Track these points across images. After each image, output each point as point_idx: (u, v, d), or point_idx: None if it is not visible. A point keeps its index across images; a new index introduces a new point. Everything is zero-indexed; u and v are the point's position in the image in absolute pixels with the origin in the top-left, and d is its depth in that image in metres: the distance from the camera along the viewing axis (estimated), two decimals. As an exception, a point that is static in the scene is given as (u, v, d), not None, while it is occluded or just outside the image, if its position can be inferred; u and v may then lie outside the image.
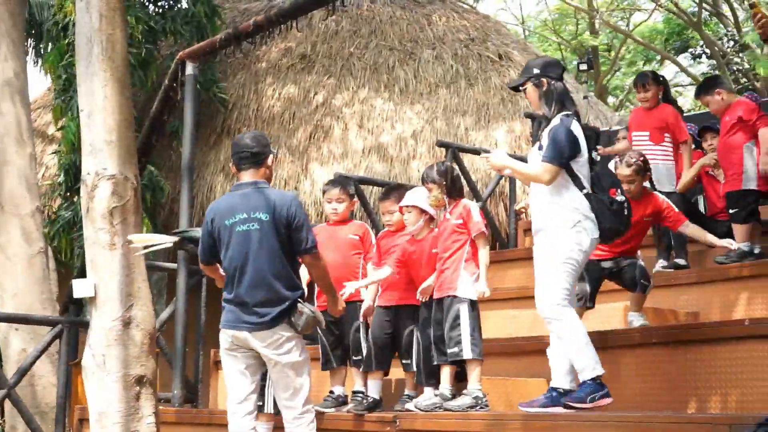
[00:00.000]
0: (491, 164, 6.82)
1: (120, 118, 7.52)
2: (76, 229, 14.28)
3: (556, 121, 6.50)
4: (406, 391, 7.48)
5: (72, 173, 14.39)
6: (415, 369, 7.41)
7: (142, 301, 7.55)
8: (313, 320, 6.54)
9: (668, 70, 36.54)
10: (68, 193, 14.84)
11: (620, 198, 6.57)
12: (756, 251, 8.64)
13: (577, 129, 6.48)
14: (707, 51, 31.16)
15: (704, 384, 6.60)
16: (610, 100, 34.89)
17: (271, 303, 6.47)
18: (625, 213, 6.58)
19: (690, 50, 32.37)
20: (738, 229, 8.74)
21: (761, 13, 7.83)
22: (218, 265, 6.85)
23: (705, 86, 9.41)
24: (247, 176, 6.71)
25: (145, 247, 7.58)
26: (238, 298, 6.55)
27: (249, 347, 6.55)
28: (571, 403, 6.27)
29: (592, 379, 6.26)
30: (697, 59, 32.57)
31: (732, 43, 30.69)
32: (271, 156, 6.81)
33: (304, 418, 6.59)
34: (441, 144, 12.92)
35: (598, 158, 7.81)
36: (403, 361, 7.44)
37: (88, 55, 7.53)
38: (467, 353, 6.95)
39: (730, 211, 8.83)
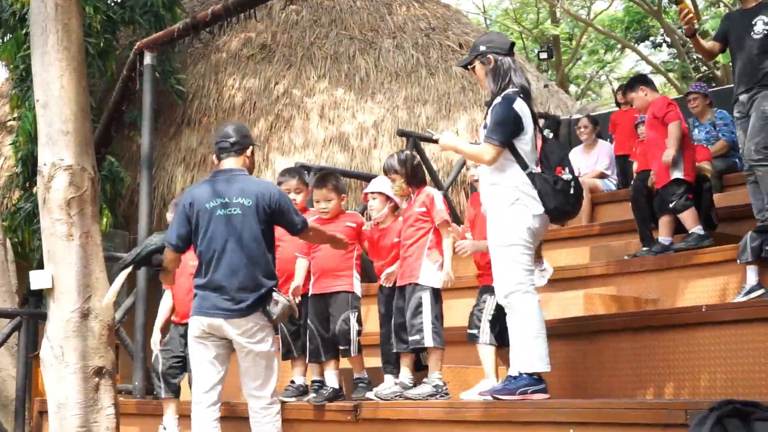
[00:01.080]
0: (441, 145, 6.75)
1: (76, 109, 7.45)
2: (36, 221, 14.19)
3: (498, 99, 6.40)
4: (356, 375, 7.47)
5: (29, 164, 14.34)
6: (352, 354, 7.41)
7: (101, 292, 7.47)
8: (289, 309, 6.58)
9: (629, 59, 36.80)
10: (27, 184, 14.75)
11: (566, 177, 6.38)
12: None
13: (520, 106, 6.33)
14: (668, 39, 31.35)
15: (663, 371, 6.62)
16: (572, 88, 35.01)
17: (248, 289, 6.45)
18: (572, 192, 6.37)
19: (650, 39, 32.55)
20: (684, 217, 8.81)
21: (687, 8, 7.92)
22: (180, 257, 6.85)
23: (630, 84, 9.81)
24: (228, 164, 6.73)
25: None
26: (213, 283, 6.51)
27: (222, 336, 6.53)
28: (498, 395, 6.23)
29: (529, 374, 6.21)
30: (658, 48, 32.77)
31: (692, 31, 30.79)
32: (251, 147, 6.84)
33: (272, 409, 6.60)
34: (401, 133, 12.92)
35: (551, 135, 7.77)
36: (341, 347, 7.42)
37: (43, 45, 7.45)
38: (428, 341, 6.95)
39: (670, 205, 8.90)
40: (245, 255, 6.48)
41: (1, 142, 16.16)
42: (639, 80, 9.64)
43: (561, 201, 6.31)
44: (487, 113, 6.51)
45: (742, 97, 7.95)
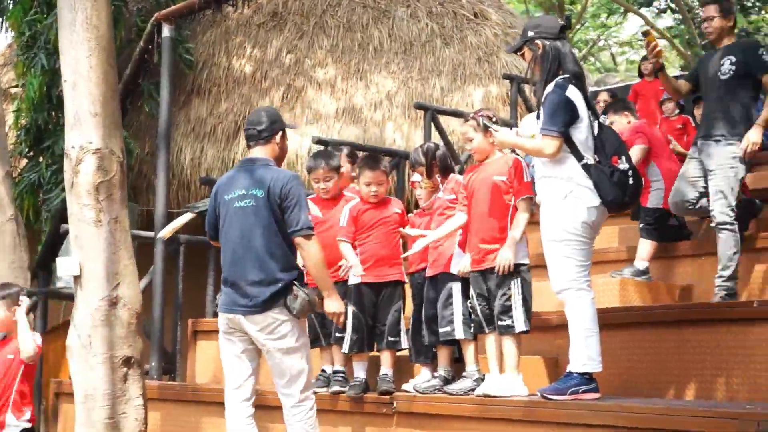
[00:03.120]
0: (498, 143, 6.52)
1: (105, 89, 7.22)
2: (41, 192, 13.94)
3: (550, 87, 6.18)
4: (384, 370, 7.28)
5: (33, 133, 14.07)
6: (403, 347, 7.27)
7: (129, 279, 7.31)
8: (308, 304, 6.25)
9: (631, 23, 36.51)
10: (31, 153, 14.48)
11: (623, 166, 6.14)
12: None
13: (573, 93, 6.11)
14: (672, 5, 30.97)
15: (713, 367, 6.41)
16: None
17: (264, 283, 6.21)
18: (630, 182, 6.13)
19: (655, 4, 32.16)
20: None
21: (655, 42, 7.60)
22: None
23: (614, 106, 9.41)
24: (254, 153, 6.52)
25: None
26: (231, 278, 6.32)
27: (245, 331, 6.31)
28: (547, 395, 6.06)
29: (580, 374, 6.04)
30: (662, 13, 32.35)
31: (697, -3, 30.50)
32: (280, 133, 6.55)
33: (303, 406, 6.34)
34: (419, 106, 12.70)
35: (607, 122, 7.47)
36: (391, 339, 7.25)
37: (71, 23, 7.20)
38: (459, 333, 6.80)
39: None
40: (259, 249, 6.23)
41: (6, 110, 15.80)
42: (623, 106, 9.26)
43: (618, 193, 6.08)
44: (539, 104, 6.28)
45: (699, 143, 7.81)
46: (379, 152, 12.06)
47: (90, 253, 7.16)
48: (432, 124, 12.23)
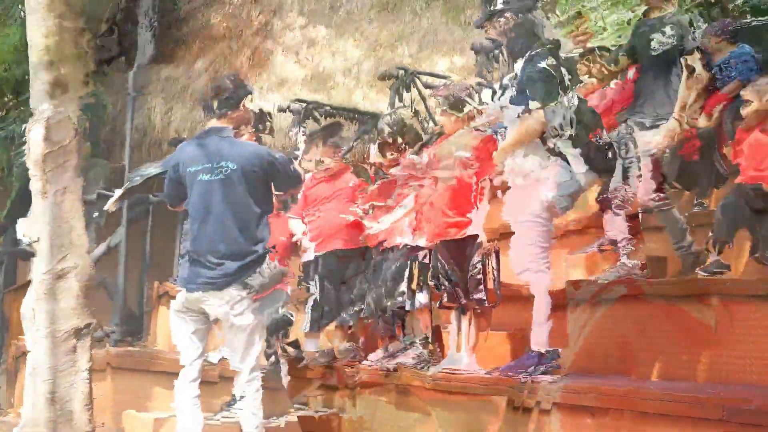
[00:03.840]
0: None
1: (62, 54, 7.03)
2: (14, 147, 13.77)
3: (523, 61, 5.95)
4: (346, 341, 7.41)
5: (12, 85, 13.86)
6: (366, 315, 7.35)
7: (80, 250, 7.14)
8: (279, 274, 6.18)
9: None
10: (9, 106, 14.33)
11: (600, 141, 5.99)
12: None
13: (551, 65, 5.87)
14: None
15: (670, 345, 6.25)
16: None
17: (233, 257, 6.07)
18: (610, 156, 6.02)
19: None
20: None
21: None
22: None
23: None
24: (217, 122, 6.30)
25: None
26: (197, 251, 6.15)
27: (200, 310, 6.18)
28: (510, 372, 6.01)
29: (542, 352, 6.00)
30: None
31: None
32: (247, 97, 6.37)
33: (252, 385, 6.25)
34: (392, 73, 12.50)
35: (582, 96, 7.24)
36: (355, 308, 7.24)
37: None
38: (407, 304, 6.84)
39: None
40: (228, 223, 6.09)
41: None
42: None
43: (595, 166, 5.97)
44: (505, 85, 6.10)
45: (628, 121, 7.31)
46: (355, 113, 11.95)
47: (38, 225, 7.03)
48: (411, 86, 12.07)
